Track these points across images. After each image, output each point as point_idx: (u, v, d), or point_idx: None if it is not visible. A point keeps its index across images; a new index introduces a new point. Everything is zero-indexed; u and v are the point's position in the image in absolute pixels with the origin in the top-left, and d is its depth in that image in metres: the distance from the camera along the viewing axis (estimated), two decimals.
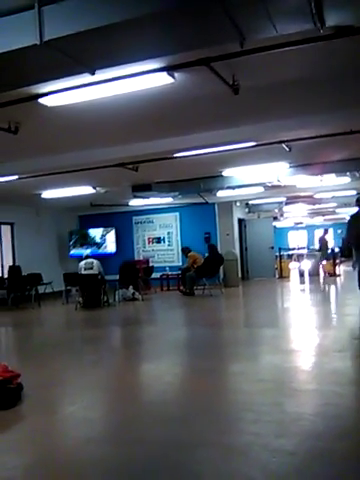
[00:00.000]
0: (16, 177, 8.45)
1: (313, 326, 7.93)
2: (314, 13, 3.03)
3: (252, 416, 3.74)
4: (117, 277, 12.56)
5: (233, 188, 11.92)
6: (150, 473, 2.89)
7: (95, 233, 15.95)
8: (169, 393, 4.64)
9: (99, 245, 15.83)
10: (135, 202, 13.76)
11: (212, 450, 3.17)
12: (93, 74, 3.81)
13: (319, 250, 17.75)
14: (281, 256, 17.48)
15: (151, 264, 15.04)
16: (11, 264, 13.30)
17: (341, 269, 18.13)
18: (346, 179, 11.74)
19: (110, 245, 15.73)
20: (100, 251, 15.46)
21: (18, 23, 3.16)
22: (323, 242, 17.78)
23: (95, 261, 11.64)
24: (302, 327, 7.84)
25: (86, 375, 5.40)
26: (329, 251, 17.66)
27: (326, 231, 18.81)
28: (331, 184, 12.47)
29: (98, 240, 15.89)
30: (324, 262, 17.65)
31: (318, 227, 35.43)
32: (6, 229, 13.69)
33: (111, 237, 15.82)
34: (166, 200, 13.67)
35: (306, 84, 5.16)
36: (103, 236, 15.85)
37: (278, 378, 4.84)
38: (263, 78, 5.06)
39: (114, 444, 3.42)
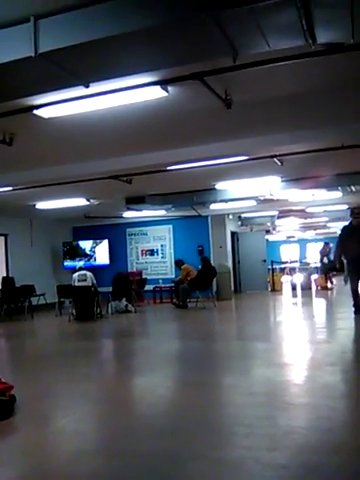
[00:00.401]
0: (10, 188, 8.45)
1: (305, 340, 7.92)
2: (305, 30, 3.08)
3: (244, 430, 3.73)
4: (110, 289, 12.53)
5: (226, 201, 11.96)
6: None
7: (85, 245, 15.90)
8: (161, 406, 4.61)
9: (89, 257, 15.76)
10: (129, 214, 13.78)
11: (204, 464, 3.15)
12: (87, 87, 3.84)
13: (320, 262, 17.57)
14: (273, 269, 17.52)
15: (144, 276, 15.02)
16: (4, 275, 13.23)
17: (334, 283, 18.16)
18: (338, 194, 11.81)
19: (101, 257, 15.66)
20: (94, 263, 15.41)
21: (13, 35, 3.18)
22: (323, 254, 17.63)
23: (88, 273, 11.62)
24: (294, 341, 7.83)
25: (79, 387, 5.36)
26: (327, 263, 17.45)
27: (327, 244, 18.56)
28: (323, 198, 12.55)
29: (88, 252, 15.83)
30: (315, 276, 17.74)
31: (310, 241, 35.63)
32: (0, 240, 13.64)
33: (102, 249, 15.78)
34: (159, 212, 13.71)
35: (298, 99, 5.22)
36: (93, 248, 15.81)
37: (270, 392, 4.83)
38: (256, 93, 5.12)
39: (106, 457, 3.40)
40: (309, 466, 3.03)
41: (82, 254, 15.78)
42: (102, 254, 15.76)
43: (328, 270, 16.96)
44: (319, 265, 17.86)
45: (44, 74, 3.46)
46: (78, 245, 15.90)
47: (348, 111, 5.35)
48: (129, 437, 3.75)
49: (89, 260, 15.67)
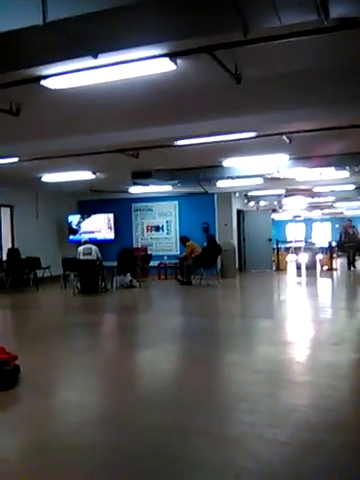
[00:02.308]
0: (16, 160, 8.41)
1: (309, 319, 7.95)
2: (318, 4, 3.00)
3: (247, 406, 3.76)
4: (115, 264, 12.56)
5: (233, 178, 11.88)
6: (144, 459, 2.90)
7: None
8: (164, 380, 4.65)
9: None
10: (135, 189, 13.72)
11: (206, 438, 3.18)
12: (96, 58, 3.77)
13: (344, 242, 16.85)
14: (279, 248, 17.49)
15: (149, 252, 15.03)
16: (10, 247, 13.25)
17: (338, 263, 18.15)
18: (345, 173, 11.71)
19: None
20: (99, 237, 15.36)
21: (21, 3, 3.11)
22: (347, 232, 16.89)
23: (94, 247, 11.64)
24: (298, 319, 7.85)
25: (82, 360, 5.41)
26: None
27: (350, 221, 17.70)
28: (330, 178, 12.44)
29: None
30: (320, 256, 17.68)
31: (316, 221, 35.54)
32: (6, 212, 13.60)
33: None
34: (166, 188, 13.63)
35: (309, 76, 5.13)
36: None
37: (273, 369, 4.86)
38: (266, 68, 5.04)
39: (108, 429, 3.44)
40: (310, 444, 3.06)
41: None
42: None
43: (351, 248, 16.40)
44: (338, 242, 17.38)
45: (52, 44, 3.39)
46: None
47: (358, 90, 5.26)
48: (131, 410, 3.79)
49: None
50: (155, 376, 4.78)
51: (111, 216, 15.64)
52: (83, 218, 15.83)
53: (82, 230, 15.69)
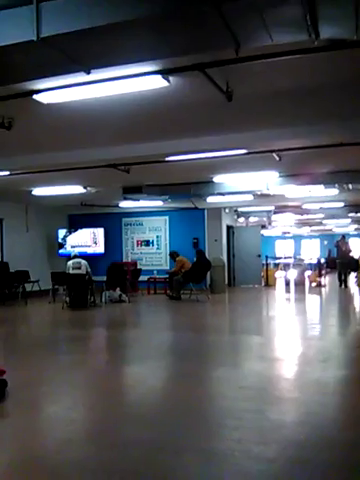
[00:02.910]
0: (7, 173, 8.41)
1: (297, 335, 7.96)
2: (309, 25, 3.07)
3: (234, 422, 3.75)
4: (104, 278, 12.53)
5: (223, 194, 11.96)
6: (131, 476, 2.88)
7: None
8: (152, 397, 4.63)
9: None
10: (125, 204, 13.75)
11: (193, 455, 3.17)
12: (88, 73, 3.81)
13: (336, 258, 16.66)
14: (268, 264, 17.55)
15: (139, 267, 15.01)
16: None
17: (326, 280, 18.22)
18: (334, 191, 11.83)
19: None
20: (89, 252, 15.32)
21: (15, 18, 3.15)
22: (340, 249, 16.34)
23: (83, 261, 11.60)
24: (286, 336, 7.86)
25: (70, 375, 5.37)
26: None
27: (343, 237, 17.04)
28: (319, 195, 12.56)
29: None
30: (309, 272, 17.70)
31: (305, 237, 35.77)
32: None
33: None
34: (156, 203, 13.68)
35: (299, 94, 5.20)
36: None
37: (261, 385, 4.85)
38: (257, 86, 5.10)
39: (95, 446, 3.41)
40: (296, 461, 3.05)
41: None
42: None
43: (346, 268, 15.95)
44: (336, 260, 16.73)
45: (45, 59, 3.43)
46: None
47: (348, 108, 5.35)
48: (118, 427, 3.77)
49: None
50: (143, 392, 4.75)
51: (98, 231, 15.57)
52: (70, 232, 15.79)
53: (68, 244, 15.65)
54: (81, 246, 15.37)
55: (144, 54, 3.58)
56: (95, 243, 15.59)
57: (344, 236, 17.21)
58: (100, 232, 15.55)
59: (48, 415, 4.15)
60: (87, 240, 15.64)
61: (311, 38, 3.23)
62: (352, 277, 17.26)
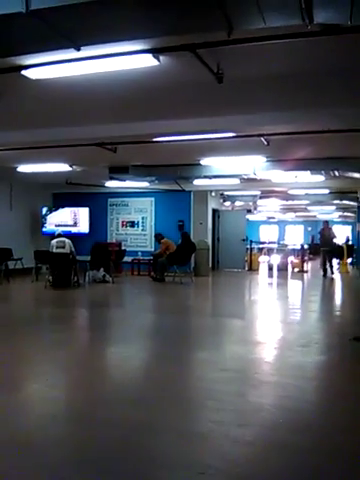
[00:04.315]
0: None
1: (278, 320, 8.04)
2: (303, 8, 3.03)
3: (215, 404, 3.79)
4: (88, 258, 12.48)
5: (210, 178, 11.93)
6: (110, 455, 2.90)
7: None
8: (134, 377, 4.65)
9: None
10: (111, 184, 13.66)
11: (173, 436, 3.20)
12: (78, 50, 3.74)
13: (320, 245, 15.84)
14: (252, 249, 17.62)
15: (123, 248, 14.97)
16: None
17: (309, 265, 18.38)
18: (320, 177, 11.88)
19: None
20: (73, 231, 15.22)
21: None
22: (324, 235, 15.71)
23: (67, 240, 11.52)
24: (268, 320, 7.93)
25: (52, 354, 5.37)
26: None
27: (327, 223, 16.31)
28: (305, 181, 12.60)
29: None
30: (292, 258, 17.79)
31: (289, 223, 35.95)
32: None
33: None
34: (142, 184, 13.61)
35: (289, 79, 5.17)
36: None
37: (242, 368, 4.90)
38: (248, 69, 5.06)
39: (75, 424, 3.42)
40: (276, 443, 3.10)
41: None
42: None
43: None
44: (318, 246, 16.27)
45: (34, 33, 3.35)
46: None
47: (339, 95, 5.32)
48: (100, 406, 3.78)
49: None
50: (124, 372, 4.77)
51: (79, 210, 15.43)
52: (50, 211, 15.64)
53: (49, 222, 15.53)
54: (65, 225, 15.25)
55: (135, 32, 3.52)
56: (75, 223, 15.45)
57: (327, 222, 16.44)
58: (83, 212, 15.43)
59: (29, 394, 4.14)
60: (68, 220, 15.53)
61: (305, 22, 3.20)
62: (335, 264, 16.93)
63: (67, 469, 2.76)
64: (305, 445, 3.09)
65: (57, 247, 11.38)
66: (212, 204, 16.15)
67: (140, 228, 15.71)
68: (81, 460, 2.86)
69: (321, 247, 15.61)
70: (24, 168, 11.18)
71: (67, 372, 4.84)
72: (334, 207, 22.96)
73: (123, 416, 3.52)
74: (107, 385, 4.42)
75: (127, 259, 14.34)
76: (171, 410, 3.67)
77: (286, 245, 20.62)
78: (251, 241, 17.65)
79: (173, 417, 3.53)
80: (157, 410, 3.67)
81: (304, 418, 3.57)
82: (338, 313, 9.11)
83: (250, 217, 25.73)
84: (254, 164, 10.45)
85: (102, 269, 12.38)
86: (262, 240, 27.49)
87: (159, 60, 4.56)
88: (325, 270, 15.01)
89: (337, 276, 15.81)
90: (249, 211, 21.73)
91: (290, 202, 20.80)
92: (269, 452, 2.99)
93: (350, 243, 21.04)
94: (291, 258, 17.84)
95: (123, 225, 15.87)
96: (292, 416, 3.60)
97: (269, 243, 22.90)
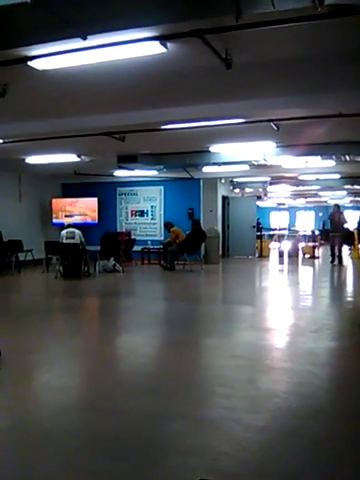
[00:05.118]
0: (0, 141, 8.30)
1: (289, 306, 8.02)
2: None
3: (226, 391, 3.80)
4: (98, 248, 12.52)
5: (219, 165, 11.86)
6: (122, 443, 2.92)
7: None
8: (145, 365, 4.67)
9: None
10: (120, 173, 13.64)
11: (185, 423, 3.21)
12: (85, 39, 3.72)
13: (330, 230, 14.90)
14: (262, 236, 17.54)
15: (133, 237, 15.00)
16: None
17: (320, 251, 18.30)
18: (331, 162, 11.76)
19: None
20: (82, 221, 15.27)
21: None
22: (333, 220, 14.81)
23: (77, 231, 11.56)
24: (279, 306, 7.93)
25: (64, 344, 5.40)
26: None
27: (338, 207, 15.27)
28: (316, 166, 12.49)
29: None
30: (303, 244, 17.67)
31: (300, 209, 35.76)
32: None
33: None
34: (151, 173, 13.57)
35: (299, 63, 5.11)
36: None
37: (253, 355, 4.91)
38: (257, 54, 5.01)
39: (88, 413, 3.45)
40: (288, 429, 3.11)
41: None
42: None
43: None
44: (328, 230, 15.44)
45: (40, 23, 3.34)
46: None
47: (349, 78, 5.26)
48: (111, 395, 3.81)
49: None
50: (136, 360, 4.80)
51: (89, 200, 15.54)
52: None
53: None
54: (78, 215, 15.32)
55: (141, 19, 3.50)
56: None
57: (338, 206, 15.44)
58: (92, 202, 15.47)
59: (41, 383, 4.18)
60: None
61: (314, 4, 3.15)
62: (345, 250, 16.37)
63: (81, 457, 2.78)
64: (318, 431, 3.10)
65: (67, 238, 11.42)
66: (222, 191, 16.08)
67: (149, 217, 15.70)
68: (94, 448, 2.89)
69: (331, 232, 14.76)
70: (32, 159, 11.20)
71: (79, 361, 4.87)
72: (345, 192, 22.77)
73: (135, 404, 3.55)
74: (119, 373, 4.45)
75: (137, 248, 14.36)
76: (183, 397, 3.69)
77: (297, 231, 20.52)
78: (261, 228, 17.49)
79: (185, 404, 3.55)
80: (169, 397, 3.69)
81: (317, 404, 3.57)
82: (349, 299, 9.07)
83: (260, 204, 25.60)
84: (264, 150, 10.38)
85: (112, 259, 12.42)
86: (273, 226, 27.38)
87: (167, 47, 4.51)
88: (333, 256, 14.44)
89: (349, 262, 15.71)
90: (259, 197, 21.60)
91: (301, 188, 20.64)
92: (281, 438, 3.00)
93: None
94: (302, 244, 17.78)
95: (132, 214, 15.87)
96: (305, 402, 3.60)
97: (280, 229, 22.81)
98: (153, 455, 2.79)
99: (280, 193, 24.19)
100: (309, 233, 18.80)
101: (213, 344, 5.41)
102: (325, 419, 3.31)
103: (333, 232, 14.69)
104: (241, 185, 18.01)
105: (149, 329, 6.18)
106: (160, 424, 3.20)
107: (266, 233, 19.20)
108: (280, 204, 32.96)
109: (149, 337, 5.77)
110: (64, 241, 11.42)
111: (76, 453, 2.83)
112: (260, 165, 12.34)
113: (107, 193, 15.70)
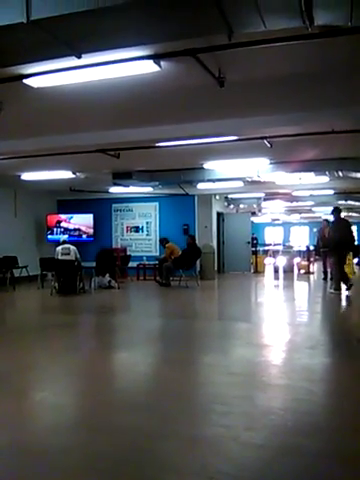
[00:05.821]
0: None
1: (285, 322, 8.01)
2: (303, 11, 3.04)
3: (222, 408, 3.77)
4: (94, 264, 12.49)
5: (213, 181, 11.94)
6: (119, 462, 2.89)
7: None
8: (141, 382, 4.64)
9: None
10: (115, 189, 13.68)
11: (182, 441, 3.19)
12: (79, 57, 3.76)
13: (320, 246, 13.83)
14: (257, 251, 17.59)
15: (128, 253, 14.99)
16: None
17: (315, 267, 18.33)
18: (325, 178, 11.85)
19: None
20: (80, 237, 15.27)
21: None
22: (323, 236, 13.60)
23: (72, 247, 11.55)
24: (275, 322, 7.91)
25: (58, 361, 5.37)
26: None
27: (327, 222, 13.82)
28: (310, 182, 12.58)
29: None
30: (298, 259, 17.70)
31: (294, 224, 35.88)
32: None
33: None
34: (146, 189, 13.63)
35: (291, 81, 5.18)
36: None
37: (249, 372, 4.88)
38: (249, 73, 5.07)
39: (83, 431, 3.42)
40: (285, 447, 3.08)
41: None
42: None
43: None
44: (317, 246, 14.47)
45: (36, 42, 3.37)
46: None
47: (340, 96, 5.33)
48: (107, 412, 3.77)
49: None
50: (131, 378, 4.77)
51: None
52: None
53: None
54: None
55: (136, 39, 3.54)
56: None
57: (327, 221, 13.84)
58: (89, 218, 15.47)
59: (36, 401, 4.14)
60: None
61: (305, 24, 3.20)
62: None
63: (76, 475, 2.75)
64: (315, 448, 3.07)
65: (62, 254, 11.41)
66: (216, 207, 16.16)
67: (145, 233, 15.72)
68: (89, 467, 2.85)
69: (321, 248, 13.73)
70: (28, 176, 11.23)
71: (74, 379, 4.83)
72: None
73: (131, 422, 3.52)
74: (114, 391, 4.41)
75: (132, 264, 14.35)
76: (179, 415, 3.67)
77: (291, 247, 20.57)
78: (256, 243, 17.52)
79: (181, 422, 3.52)
80: (165, 415, 3.66)
81: (314, 421, 3.55)
82: (344, 315, 9.06)
83: (255, 219, 25.67)
84: (258, 166, 10.46)
85: (107, 275, 12.39)
86: (267, 242, 27.43)
87: (160, 66, 4.57)
88: (325, 273, 13.77)
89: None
90: (254, 213, 21.68)
91: (295, 204, 20.75)
92: (278, 456, 2.97)
93: (356, 243, 20.86)
94: (297, 260, 17.80)
95: (128, 230, 15.90)
96: (301, 419, 3.58)
97: (274, 245, 22.86)
98: (150, 474, 2.76)
99: (274, 209, 24.29)
100: (304, 249, 18.83)
101: (209, 361, 5.39)
102: (322, 436, 3.28)
103: (323, 248, 13.52)
104: (235, 201, 18.10)
105: (145, 346, 6.15)
106: (157, 442, 3.17)
107: (261, 248, 19.22)
108: (274, 220, 33.06)
109: (145, 354, 5.74)
110: (59, 257, 11.41)
111: (72, 471, 2.79)
112: (254, 181, 12.42)
113: (102, 209, 15.73)
